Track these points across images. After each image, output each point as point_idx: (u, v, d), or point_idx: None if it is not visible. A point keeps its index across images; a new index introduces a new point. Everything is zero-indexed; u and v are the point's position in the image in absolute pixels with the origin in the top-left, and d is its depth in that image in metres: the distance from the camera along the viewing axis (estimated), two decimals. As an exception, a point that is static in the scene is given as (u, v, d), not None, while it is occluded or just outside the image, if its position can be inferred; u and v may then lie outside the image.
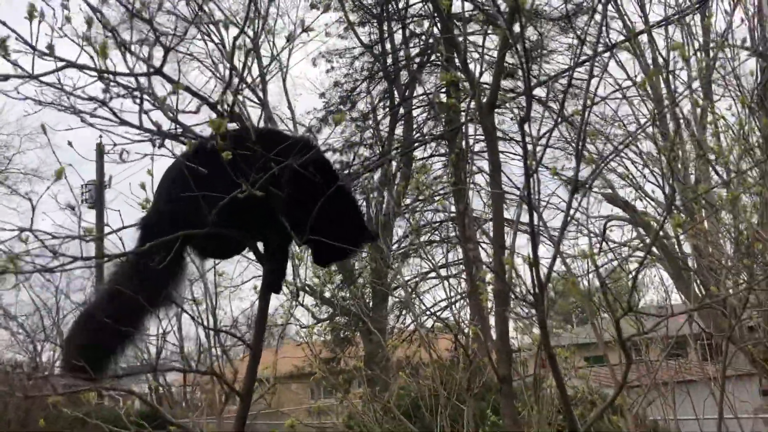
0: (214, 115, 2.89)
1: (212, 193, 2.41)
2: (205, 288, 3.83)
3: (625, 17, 8.87)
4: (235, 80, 2.92)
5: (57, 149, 2.72)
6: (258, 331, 2.96)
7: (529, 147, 2.45)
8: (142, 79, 2.63)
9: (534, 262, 2.46)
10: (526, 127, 2.29)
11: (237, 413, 2.92)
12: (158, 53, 2.78)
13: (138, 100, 2.56)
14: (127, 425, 3.54)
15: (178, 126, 2.68)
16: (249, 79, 3.33)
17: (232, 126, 2.74)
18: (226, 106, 2.78)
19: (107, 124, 2.68)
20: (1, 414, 8.61)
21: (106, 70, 2.48)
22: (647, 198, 7.36)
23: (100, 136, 2.84)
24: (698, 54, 6.45)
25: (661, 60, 9.28)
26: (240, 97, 2.86)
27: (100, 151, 13.60)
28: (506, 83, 13.41)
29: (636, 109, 9.99)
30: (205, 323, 3.63)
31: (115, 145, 2.86)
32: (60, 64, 2.44)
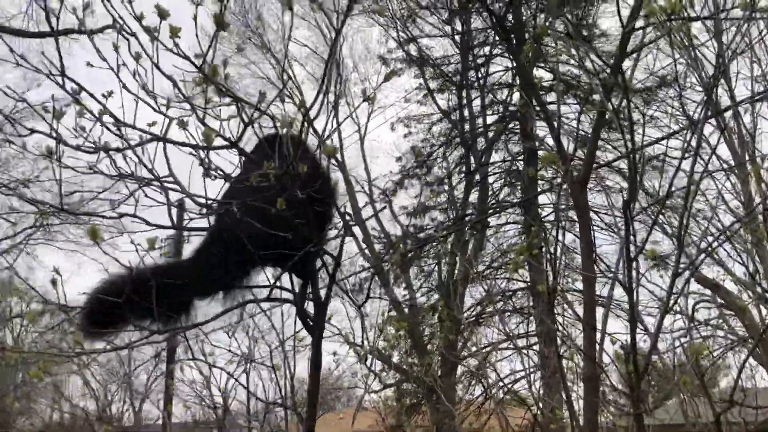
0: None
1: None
2: (284, 352, 3.86)
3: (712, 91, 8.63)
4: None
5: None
6: (311, 406, 3.03)
7: (621, 227, 2.34)
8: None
9: (632, 351, 2.32)
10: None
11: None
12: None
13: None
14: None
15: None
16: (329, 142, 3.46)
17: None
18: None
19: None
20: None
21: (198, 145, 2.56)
22: (737, 280, 7.03)
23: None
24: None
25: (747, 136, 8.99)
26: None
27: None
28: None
29: (720, 183, 9.67)
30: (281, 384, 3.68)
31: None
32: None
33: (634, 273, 2.34)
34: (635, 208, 2.80)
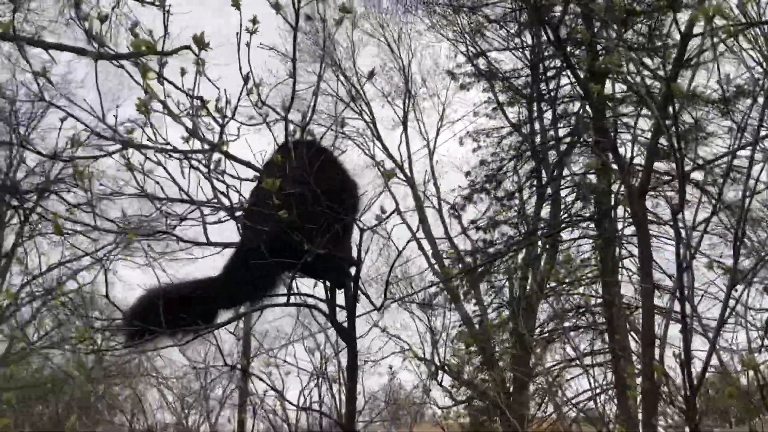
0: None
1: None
2: (338, 365, 3.91)
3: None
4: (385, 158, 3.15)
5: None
6: (349, 417, 3.07)
7: (683, 235, 2.26)
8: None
9: (686, 363, 2.24)
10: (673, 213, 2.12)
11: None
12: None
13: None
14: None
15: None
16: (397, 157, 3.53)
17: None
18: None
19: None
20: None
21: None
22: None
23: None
24: None
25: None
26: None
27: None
28: (661, 165, 12.87)
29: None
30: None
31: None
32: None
33: (688, 282, 2.26)
34: (698, 217, 2.70)
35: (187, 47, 2.82)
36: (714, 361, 3.86)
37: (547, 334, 14.69)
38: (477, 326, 14.64)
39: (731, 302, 2.31)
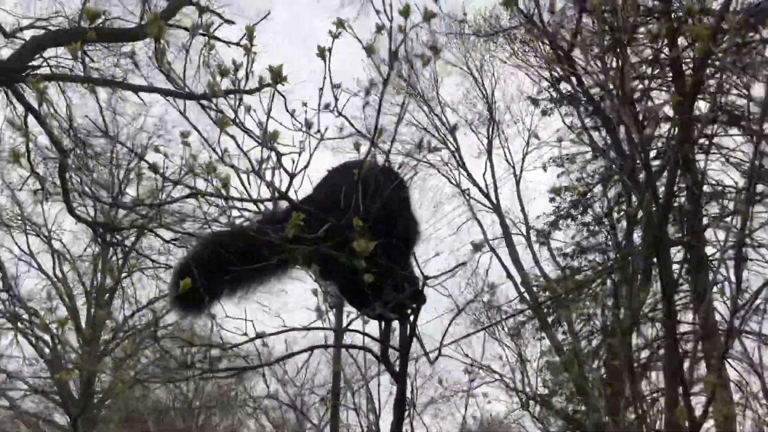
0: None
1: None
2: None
3: None
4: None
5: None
6: None
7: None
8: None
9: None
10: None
11: None
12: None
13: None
14: None
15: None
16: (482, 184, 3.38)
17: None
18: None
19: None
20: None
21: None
22: None
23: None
24: None
25: None
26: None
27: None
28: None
29: None
30: None
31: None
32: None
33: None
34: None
35: (267, 85, 2.83)
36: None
37: (644, 361, 14.24)
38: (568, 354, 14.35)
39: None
